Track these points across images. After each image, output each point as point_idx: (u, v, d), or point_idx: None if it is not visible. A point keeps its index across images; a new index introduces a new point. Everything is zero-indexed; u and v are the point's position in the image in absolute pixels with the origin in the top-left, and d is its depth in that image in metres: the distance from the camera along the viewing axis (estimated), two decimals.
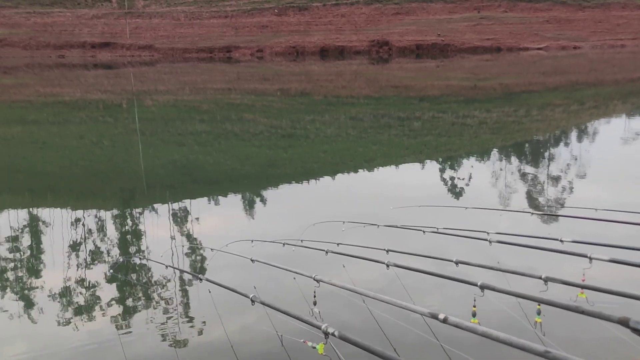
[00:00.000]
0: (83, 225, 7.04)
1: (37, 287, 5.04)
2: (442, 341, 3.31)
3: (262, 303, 2.75)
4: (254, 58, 48.33)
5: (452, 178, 9.38)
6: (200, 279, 3.50)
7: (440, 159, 11.16)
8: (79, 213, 7.56)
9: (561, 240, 3.54)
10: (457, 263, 3.26)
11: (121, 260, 5.57)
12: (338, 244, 4.19)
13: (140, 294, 4.82)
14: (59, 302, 4.69)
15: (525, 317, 3.13)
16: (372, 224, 5.23)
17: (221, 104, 20.70)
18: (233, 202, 8.21)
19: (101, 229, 6.90)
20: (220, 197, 8.46)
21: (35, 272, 5.49)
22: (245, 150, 12.12)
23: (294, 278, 3.43)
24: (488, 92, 23.45)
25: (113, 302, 4.65)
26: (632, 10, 54.84)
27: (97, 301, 4.67)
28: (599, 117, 16.43)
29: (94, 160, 11.53)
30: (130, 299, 4.73)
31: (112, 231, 6.83)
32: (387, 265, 3.32)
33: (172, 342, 3.93)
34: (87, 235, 6.68)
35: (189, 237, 6.58)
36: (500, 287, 2.56)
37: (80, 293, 4.87)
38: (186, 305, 4.56)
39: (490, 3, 56.93)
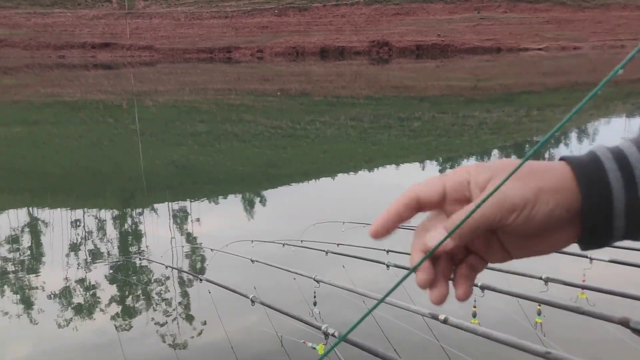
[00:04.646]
0: (83, 225, 7.04)
1: (37, 287, 5.03)
2: (442, 342, 3.31)
3: (262, 303, 2.74)
4: (254, 58, 48.35)
5: None
6: (200, 279, 3.49)
7: (441, 159, 11.15)
8: (79, 213, 7.56)
9: None
10: None
11: (121, 260, 5.57)
12: (338, 245, 4.18)
13: (140, 295, 4.81)
14: (58, 302, 4.69)
15: (526, 317, 3.12)
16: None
17: (221, 104, 20.70)
18: (233, 202, 8.21)
19: (101, 229, 6.90)
20: (220, 198, 8.46)
21: (35, 272, 5.49)
22: (245, 151, 12.12)
23: (294, 278, 3.42)
24: (488, 92, 23.45)
25: (113, 302, 4.65)
26: (632, 10, 54.85)
27: (97, 301, 4.67)
28: (599, 117, 16.43)
29: (94, 160, 11.52)
30: (130, 299, 4.73)
31: (112, 231, 6.83)
32: (388, 266, 3.31)
33: (172, 343, 3.93)
34: (87, 235, 6.68)
35: (189, 237, 6.58)
36: (500, 287, 2.55)
37: (80, 293, 4.87)
38: (186, 306, 4.56)
39: (490, 3, 56.98)
